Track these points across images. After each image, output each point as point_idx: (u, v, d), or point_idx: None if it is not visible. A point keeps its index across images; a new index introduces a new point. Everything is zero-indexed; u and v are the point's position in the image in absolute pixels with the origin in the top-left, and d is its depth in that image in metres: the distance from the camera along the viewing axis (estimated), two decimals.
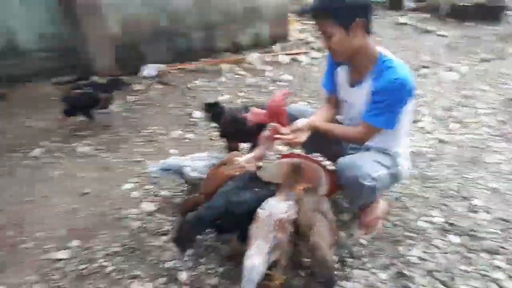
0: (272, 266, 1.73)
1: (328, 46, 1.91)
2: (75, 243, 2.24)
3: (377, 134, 2.01)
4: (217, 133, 2.85)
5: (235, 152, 2.31)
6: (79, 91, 3.16)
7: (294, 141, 2.04)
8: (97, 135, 3.31)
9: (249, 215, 1.79)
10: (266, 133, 2.17)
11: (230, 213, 1.81)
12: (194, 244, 2.02)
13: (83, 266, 2.05)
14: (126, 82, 3.60)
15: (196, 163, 2.33)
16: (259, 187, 1.93)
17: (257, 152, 2.20)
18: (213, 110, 2.89)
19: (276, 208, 1.80)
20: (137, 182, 2.76)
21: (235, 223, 1.85)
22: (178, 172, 2.37)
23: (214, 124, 2.97)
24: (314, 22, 1.92)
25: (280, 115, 2.16)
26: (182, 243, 1.88)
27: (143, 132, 3.32)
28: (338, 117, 2.40)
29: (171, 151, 3.09)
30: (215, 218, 1.83)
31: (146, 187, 2.71)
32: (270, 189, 1.93)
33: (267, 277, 1.71)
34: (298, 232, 1.82)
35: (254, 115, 2.43)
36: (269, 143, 2.21)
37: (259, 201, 1.82)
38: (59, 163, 3.01)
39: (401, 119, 2.01)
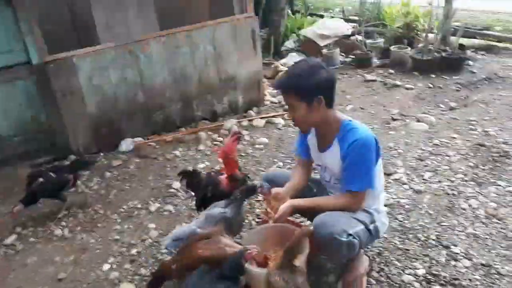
0: None
1: (293, 117, 2.09)
2: None
3: (365, 197, 2.08)
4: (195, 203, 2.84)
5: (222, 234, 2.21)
6: (41, 179, 3.13)
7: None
8: (73, 216, 3.25)
9: None
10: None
11: None
12: None
13: None
14: (91, 161, 3.72)
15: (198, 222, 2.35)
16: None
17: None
18: (190, 178, 2.91)
19: None
20: (116, 262, 2.69)
21: None
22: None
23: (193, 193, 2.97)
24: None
25: (231, 160, 2.49)
26: None
27: (121, 209, 3.28)
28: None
29: (150, 225, 3.04)
30: None
31: (125, 266, 2.64)
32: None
33: None
34: None
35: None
36: None
37: None
38: (34, 249, 2.92)
39: (376, 176, 2.09)
